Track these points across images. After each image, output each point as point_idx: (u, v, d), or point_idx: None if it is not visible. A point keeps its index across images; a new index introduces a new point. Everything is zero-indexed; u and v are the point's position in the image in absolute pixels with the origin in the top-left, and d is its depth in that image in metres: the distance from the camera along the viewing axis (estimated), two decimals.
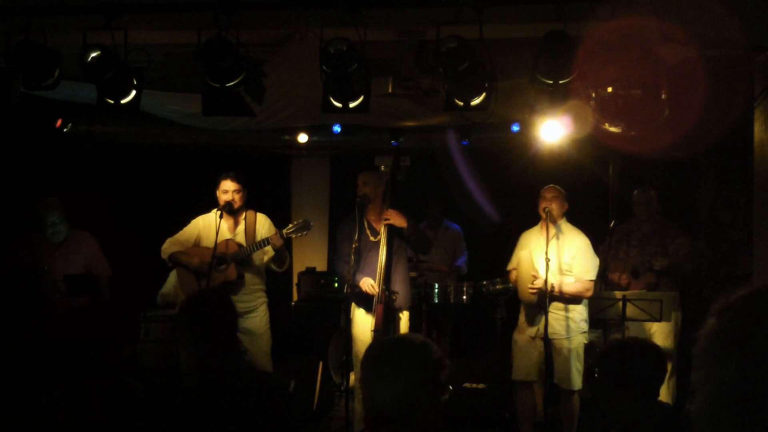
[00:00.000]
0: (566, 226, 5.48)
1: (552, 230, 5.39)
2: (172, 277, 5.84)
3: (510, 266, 5.71)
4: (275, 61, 4.75)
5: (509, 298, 6.70)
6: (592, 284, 5.36)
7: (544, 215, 5.41)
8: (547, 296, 5.14)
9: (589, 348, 5.51)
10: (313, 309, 7.65)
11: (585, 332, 5.42)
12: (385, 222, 5.37)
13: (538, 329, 5.29)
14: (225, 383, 2.63)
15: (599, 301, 5.42)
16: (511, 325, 5.84)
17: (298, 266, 8.19)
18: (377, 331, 5.21)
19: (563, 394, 5.40)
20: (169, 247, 5.48)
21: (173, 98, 5.47)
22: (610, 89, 4.01)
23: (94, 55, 4.16)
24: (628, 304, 5.28)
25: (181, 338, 2.80)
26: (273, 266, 5.55)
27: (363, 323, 5.41)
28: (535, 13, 4.14)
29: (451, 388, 2.09)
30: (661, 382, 2.85)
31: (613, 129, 4.14)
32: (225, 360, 2.70)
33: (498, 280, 6.72)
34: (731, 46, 4.40)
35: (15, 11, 4.19)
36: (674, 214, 6.39)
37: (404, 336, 2.47)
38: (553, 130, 5.38)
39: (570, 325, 5.34)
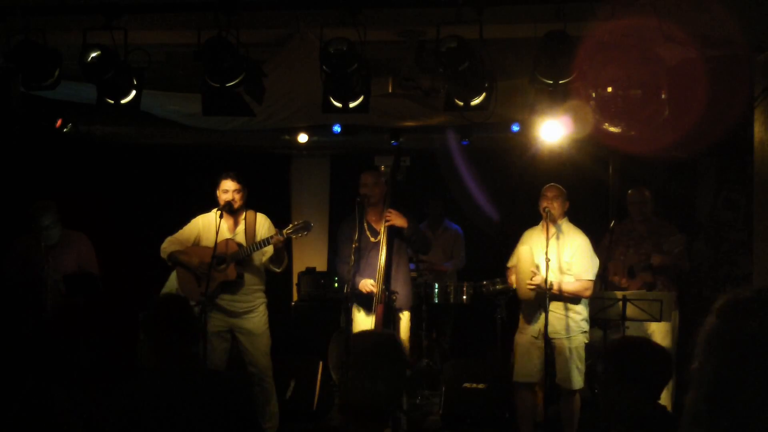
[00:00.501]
0: (567, 226, 5.47)
1: (552, 229, 5.38)
2: (173, 278, 5.84)
3: (510, 263, 5.68)
4: (275, 61, 4.75)
5: (509, 298, 6.69)
6: (591, 284, 5.35)
7: (544, 214, 5.41)
8: (547, 295, 5.14)
9: (589, 348, 5.51)
10: (313, 309, 7.65)
11: (585, 332, 5.40)
12: (386, 223, 5.37)
13: (540, 329, 5.28)
14: (178, 382, 2.83)
15: (599, 301, 5.42)
16: (511, 324, 5.83)
17: (298, 266, 8.18)
18: None
19: (563, 394, 5.39)
20: (168, 246, 5.47)
21: (173, 98, 5.47)
22: (610, 89, 4.01)
23: (94, 55, 4.17)
24: (628, 304, 5.28)
25: (143, 336, 3.03)
26: (271, 266, 5.55)
27: (363, 323, 5.41)
28: (535, 13, 4.14)
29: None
30: (665, 385, 2.85)
31: (613, 129, 4.15)
32: (180, 360, 2.90)
33: (498, 280, 6.72)
34: (731, 46, 4.41)
35: (15, 11, 4.19)
36: (674, 214, 6.39)
37: (380, 334, 2.81)
38: (553, 130, 5.39)
39: (570, 324, 5.33)
